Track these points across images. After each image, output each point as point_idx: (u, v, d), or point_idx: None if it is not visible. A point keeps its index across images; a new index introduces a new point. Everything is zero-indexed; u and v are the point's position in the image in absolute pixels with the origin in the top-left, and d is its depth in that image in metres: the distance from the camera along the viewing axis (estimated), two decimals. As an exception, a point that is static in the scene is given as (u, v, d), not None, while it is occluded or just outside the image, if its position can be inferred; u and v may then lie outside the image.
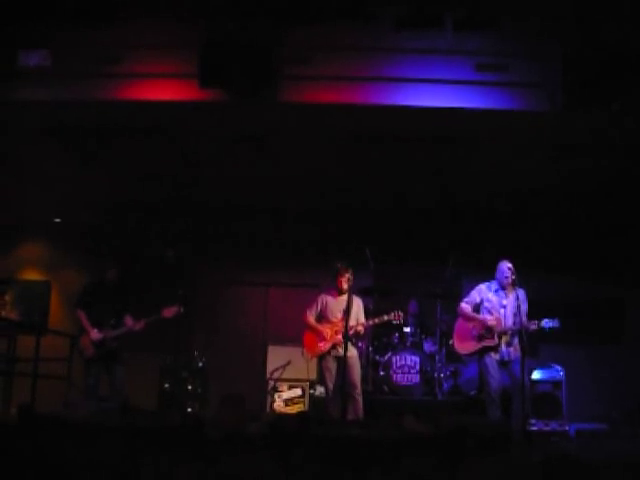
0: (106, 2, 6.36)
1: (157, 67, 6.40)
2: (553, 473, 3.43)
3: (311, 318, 6.96)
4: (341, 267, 6.88)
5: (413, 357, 8.12)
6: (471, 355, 6.78)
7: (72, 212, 9.80)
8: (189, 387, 8.62)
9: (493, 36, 6.29)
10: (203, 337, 9.36)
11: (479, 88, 6.32)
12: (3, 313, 9.86)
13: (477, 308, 6.75)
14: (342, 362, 6.64)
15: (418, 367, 8.06)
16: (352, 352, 6.78)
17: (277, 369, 8.59)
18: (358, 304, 6.98)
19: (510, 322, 6.53)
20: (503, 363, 6.51)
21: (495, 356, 6.52)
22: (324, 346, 6.85)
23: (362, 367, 7.26)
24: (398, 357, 8.14)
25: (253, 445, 4.09)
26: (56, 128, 6.96)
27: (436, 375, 8.04)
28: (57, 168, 8.13)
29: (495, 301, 6.66)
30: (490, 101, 6.33)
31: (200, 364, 8.79)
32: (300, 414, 6.70)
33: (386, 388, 8.12)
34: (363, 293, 7.69)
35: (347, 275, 6.84)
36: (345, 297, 6.80)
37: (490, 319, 6.56)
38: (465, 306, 6.76)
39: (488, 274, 6.81)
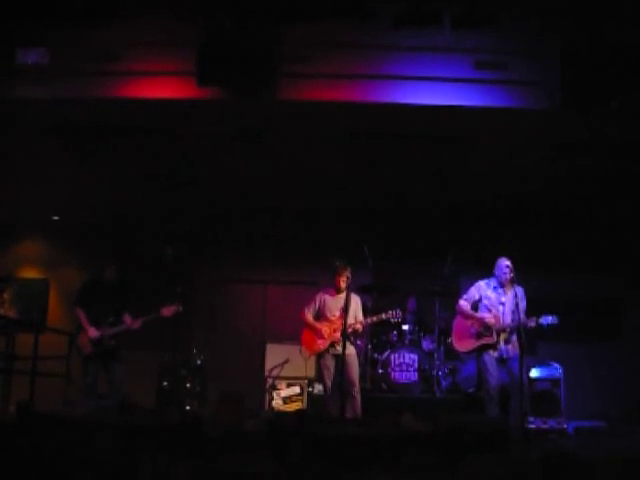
0: (105, 0, 6.36)
1: (156, 65, 6.39)
2: (551, 470, 3.43)
3: (309, 316, 6.96)
4: (339, 265, 6.87)
5: (411, 355, 8.12)
6: (470, 353, 6.76)
7: (71, 210, 9.80)
8: (188, 385, 8.63)
9: (492, 34, 6.28)
10: (202, 335, 9.37)
11: (478, 86, 6.32)
12: (2, 311, 9.86)
13: (476, 305, 6.75)
14: (340, 360, 6.63)
15: (416, 365, 8.07)
16: (350, 350, 6.78)
17: (275, 367, 8.59)
18: (356, 302, 6.98)
19: (508, 319, 6.54)
20: (502, 361, 6.51)
21: (494, 354, 6.51)
22: (322, 344, 6.85)
23: (360, 365, 7.25)
24: (396, 355, 8.14)
25: (251, 443, 4.09)
26: (54, 126, 6.95)
27: (434, 373, 8.03)
28: (55, 166, 8.11)
29: (494, 298, 6.66)
30: (489, 99, 6.33)
31: (199, 362, 8.80)
32: (298, 412, 6.71)
33: (384, 386, 8.12)
34: (361, 291, 7.68)
35: (345, 273, 6.83)
36: (343, 295, 6.79)
37: (488, 317, 6.56)
38: (464, 303, 6.75)
39: (486, 271, 6.81)
